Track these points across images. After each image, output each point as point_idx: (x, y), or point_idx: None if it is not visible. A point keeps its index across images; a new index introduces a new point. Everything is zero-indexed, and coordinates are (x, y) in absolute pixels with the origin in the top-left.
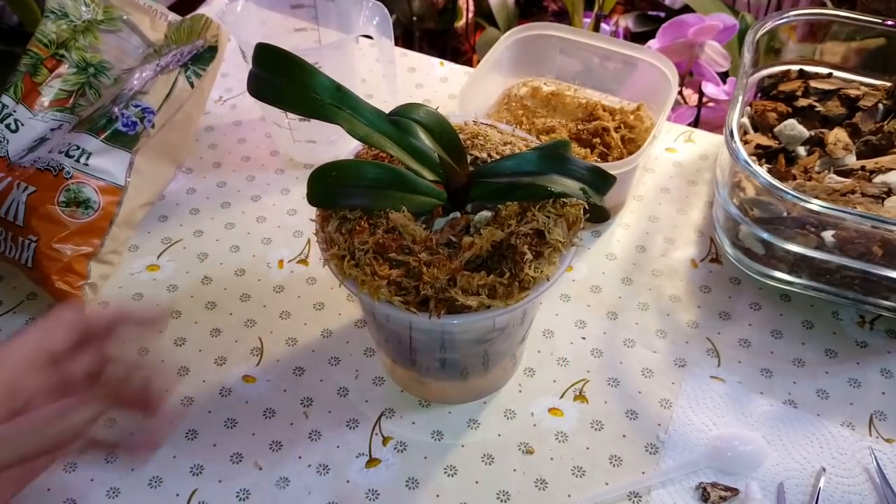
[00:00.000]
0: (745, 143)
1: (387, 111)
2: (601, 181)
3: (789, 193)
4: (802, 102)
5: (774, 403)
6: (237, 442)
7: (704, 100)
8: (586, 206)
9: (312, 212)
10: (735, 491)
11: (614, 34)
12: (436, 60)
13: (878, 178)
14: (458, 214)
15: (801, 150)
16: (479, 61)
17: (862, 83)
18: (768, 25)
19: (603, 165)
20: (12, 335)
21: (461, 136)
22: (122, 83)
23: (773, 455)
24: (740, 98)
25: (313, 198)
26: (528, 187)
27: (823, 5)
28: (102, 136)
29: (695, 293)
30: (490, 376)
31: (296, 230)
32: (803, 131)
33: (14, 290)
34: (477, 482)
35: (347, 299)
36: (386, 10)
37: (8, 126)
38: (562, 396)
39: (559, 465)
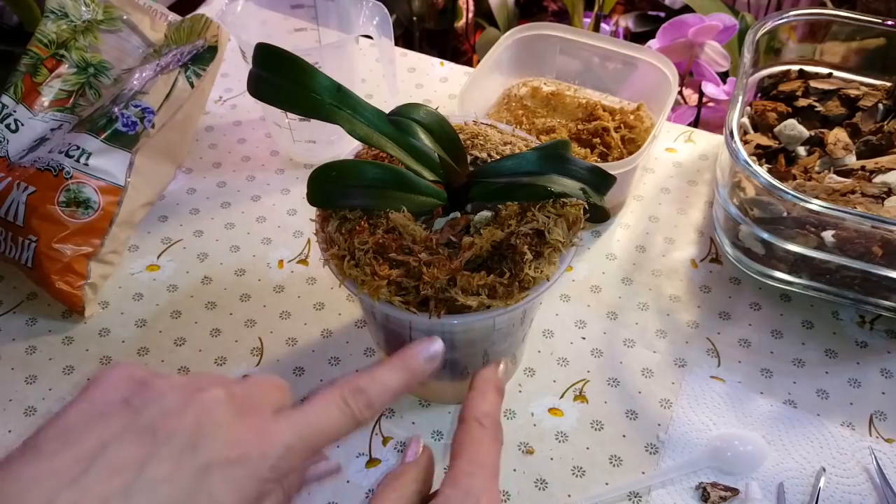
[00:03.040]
0: (745, 143)
1: (387, 111)
2: (601, 181)
3: (789, 193)
4: (802, 102)
5: (774, 403)
6: None
7: (704, 100)
8: (586, 206)
9: (312, 212)
10: (735, 491)
11: (614, 34)
12: (436, 60)
13: (878, 178)
14: (458, 214)
15: (801, 150)
16: (479, 61)
17: (862, 83)
18: (768, 25)
19: (603, 165)
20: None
21: (461, 136)
22: (122, 83)
23: (773, 455)
24: (740, 98)
25: (313, 198)
26: (528, 187)
27: (823, 5)
28: (102, 136)
29: (695, 293)
30: None
31: (296, 230)
32: (803, 131)
33: (14, 290)
34: None
35: (347, 299)
36: (386, 10)
37: (8, 126)
38: (562, 396)
39: (559, 465)
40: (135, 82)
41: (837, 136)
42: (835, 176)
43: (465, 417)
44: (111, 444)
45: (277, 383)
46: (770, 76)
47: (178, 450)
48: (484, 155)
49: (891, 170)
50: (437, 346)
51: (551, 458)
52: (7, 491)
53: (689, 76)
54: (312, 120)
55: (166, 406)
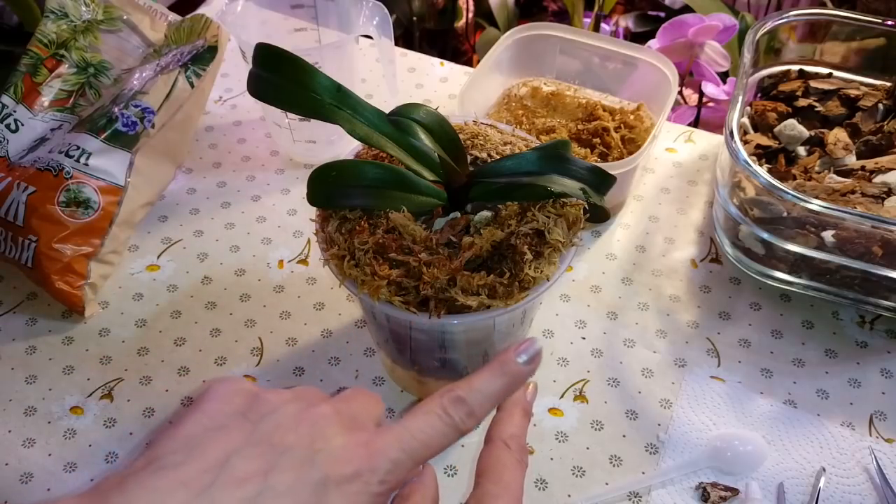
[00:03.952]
0: (745, 143)
1: (387, 111)
2: (601, 181)
3: (789, 193)
4: (802, 102)
5: (774, 403)
6: None
7: (704, 100)
8: (586, 206)
9: (312, 212)
10: (735, 491)
11: (614, 34)
12: (436, 60)
13: (878, 178)
14: (458, 214)
15: (801, 150)
16: (479, 61)
17: (862, 83)
18: (768, 25)
19: (603, 165)
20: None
21: (461, 136)
22: (122, 83)
23: (773, 455)
24: (740, 98)
25: (313, 198)
26: (528, 187)
27: (823, 5)
28: (102, 136)
29: (695, 293)
30: None
31: (296, 230)
32: (803, 131)
33: (14, 290)
34: None
35: (347, 299)
36: (386, 10)
37: (8, 126)
38: (562, 396)
39: (559, 465)
40: (135, 82)
41: (837, 136)
42: (835, 176)
43: (492, 438)
44: (234, 456)
45: (373, 396)
46: (770, 76)
47: (297, 462)
48: (484, 155)
49: (891, 170)
50: (534, 346)
51: (551, 458)
52: (142, 502)
53: (689, 76)
54: (312, 120)
55: (281, 420)
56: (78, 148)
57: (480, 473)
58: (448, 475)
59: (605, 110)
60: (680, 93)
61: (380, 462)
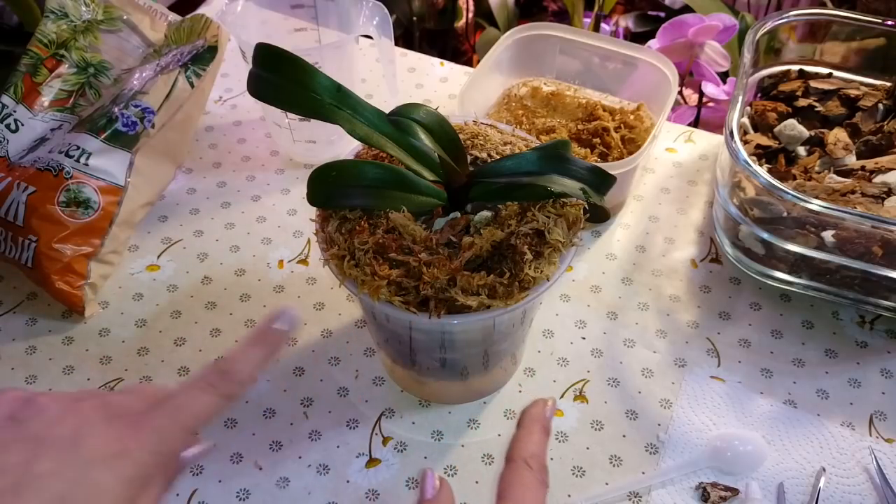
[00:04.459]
0: (745, 143)
1: (387, 111)
2: (601, 181)
3: (789, 193)
4: (802, 102)
5: (774, 403)
6: (237, 442)
7: (704, 100)
8: (586, 206)
9: (312, 212)
10: (735, 491)
11: (614, 34)
12: (436, 60)
13: (878, 178)
14: (458, 214)
15: (801, 150)
16: (479, 61)
17: (862, 83)
18: (768, 25)
19: (603, 165)
20: None
21: (461, 136)
22: (122, 83)
23: (773, 455)
24: (740, 98)
25: (313, 198)
26: (528, 187)
27: (823, 5)
28: (102, 136)
29: (695, 293)
30: (490, 376)
31: (296, 230)
32: (803, 131)
33: (14, 290)
34: (477, 482)
35: (347, 299)
36: (386, 10)
37: (8, 126)
38: (562, 396)
39: (559, 465)
40: (135, 82)
41: (837, 136)
42: (835, 176)
43: (513, 458)
44: (1, 454)
45: (146, 390)
46: (770, 76)
47: (60, 450)
48: (484, 155)
49: (891, 170)
50: (290, 313)
51: (551, 458)
52: None
53: (689, 76)
54: (312, 120)
55: (49, 416)
56: (78, 148)
57: (501, 494)
58: (448, 475)
59: (605, 110)
60: (680, 93)
61: (148, 436)
